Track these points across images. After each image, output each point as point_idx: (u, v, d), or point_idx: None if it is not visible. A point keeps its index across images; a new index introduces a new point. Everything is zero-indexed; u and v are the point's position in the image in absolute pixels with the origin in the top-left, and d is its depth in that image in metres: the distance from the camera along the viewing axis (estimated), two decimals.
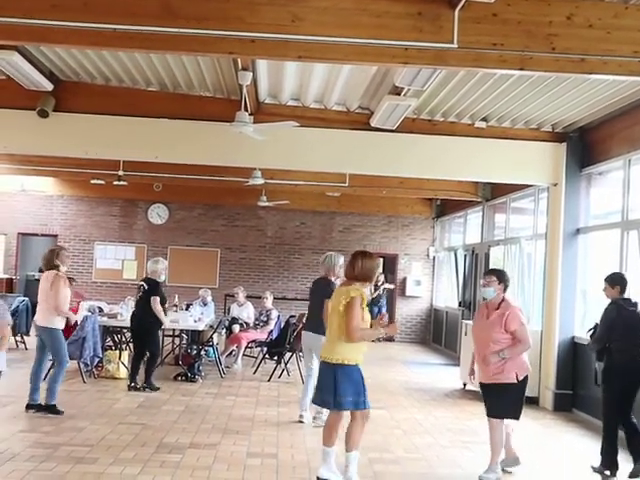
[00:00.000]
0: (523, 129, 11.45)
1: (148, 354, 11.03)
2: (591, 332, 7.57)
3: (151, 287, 10.91)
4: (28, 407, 8.76)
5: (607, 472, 7.30)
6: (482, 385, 7.30)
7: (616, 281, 7.45)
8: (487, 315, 7.15)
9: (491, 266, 15.28)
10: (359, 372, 6.51)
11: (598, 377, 7.62)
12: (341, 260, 9.21)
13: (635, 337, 7.14)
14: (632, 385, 7.17)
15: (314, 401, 6.94)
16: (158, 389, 10.70)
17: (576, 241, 11.25)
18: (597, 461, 7.42)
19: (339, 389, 6.38)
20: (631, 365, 7.11)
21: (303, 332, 9.59)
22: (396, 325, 7.50)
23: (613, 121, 10.34)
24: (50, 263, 8.89)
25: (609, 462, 7.29)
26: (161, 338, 11.87)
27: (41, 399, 8.83)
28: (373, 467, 7.25)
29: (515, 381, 6.97)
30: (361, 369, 6.53)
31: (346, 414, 6.66)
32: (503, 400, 7.04)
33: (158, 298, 10.83)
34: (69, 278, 9.10)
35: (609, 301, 7.38)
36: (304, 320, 9.71)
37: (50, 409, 8.70)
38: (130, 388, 10.62)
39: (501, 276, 7.24)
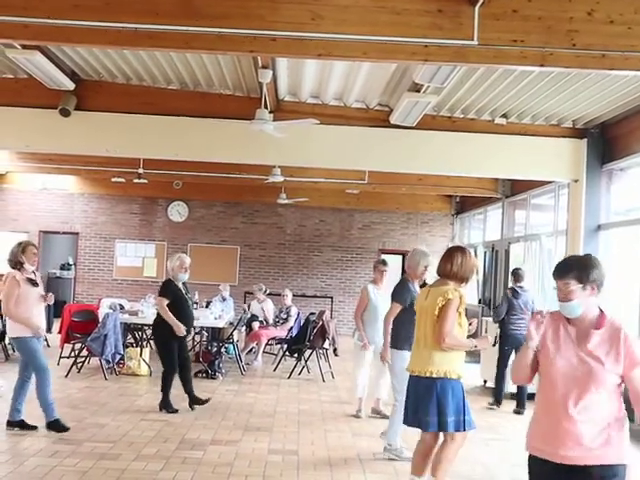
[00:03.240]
0: (543, 125, 11.40)
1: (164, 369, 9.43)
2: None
3: (161, 287, 9.63)
4: (8, 424, 7.81)
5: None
6: (560, 468, 3.81)
7: (513, 274, 10.82)
8: (577, 340, 3.81)
9: (512, 264, 15.12)
10: (461, 387, 5.81)
11: (496, 340, 10.41)
12: (429, 259, 7.64)
13: (522, 313, 10.32)
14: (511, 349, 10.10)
15: (408, 422, 6.05)
16: (175, 411, 9.18)
17: (597, 237, 11.19)
18: None
19: (441, 407, 5.66)
20: (514, 333, 10.24)
21: (392, 349, 7.67)
22: (489, 338, 6.24)
23: (634, 117, 10.27)
24: (15, 258, 7.71)
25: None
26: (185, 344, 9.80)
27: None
28: (394, 464, 7.25)
29: (625, 462, 3.78)
30: (462, 383, 5.84)
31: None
32: None
33: (164, 300, 9.24)
34: (30, 279, 7.77)
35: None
36: (389, 333, 7.71)
37: (53, 426, 7.79)
38: (161, 408, 9.24)
39: (585, 272, 3.78)
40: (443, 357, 5.69)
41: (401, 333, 7.35)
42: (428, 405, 5.70)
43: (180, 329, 9.13)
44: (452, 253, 5.90)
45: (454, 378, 5.72)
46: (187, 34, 6.37)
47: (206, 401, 9.46)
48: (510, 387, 10.81)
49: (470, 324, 5.89)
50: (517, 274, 10.80)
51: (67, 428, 7.81)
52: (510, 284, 11.22)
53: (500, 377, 10.72)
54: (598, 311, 3.85)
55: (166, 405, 9.24)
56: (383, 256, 15.76)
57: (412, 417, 5.92)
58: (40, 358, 7.81)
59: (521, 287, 10.63)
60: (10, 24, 6.31)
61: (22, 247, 7.80)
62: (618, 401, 3.84)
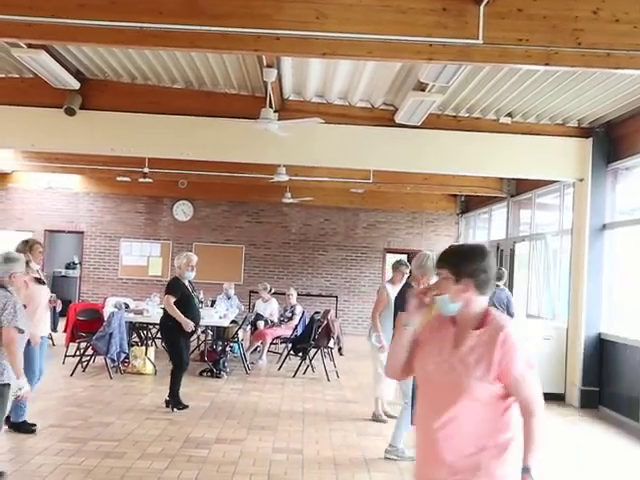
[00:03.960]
0: (548, 124, 11.38)
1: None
2: None
3: (168, 284, 9.72)
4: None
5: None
6: None
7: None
8: (453, 342, 3.29)
9: (516, 263, 15.15)
10: None
11: None
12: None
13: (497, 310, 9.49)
14: None
15: (413, 423, 5.63)
16: (186, 407, 9.34)
17: (602, 237, 11.17)
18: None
19: None
20: None
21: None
22: None
23: None
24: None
25: None
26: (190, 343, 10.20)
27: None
28: (398, 463, 7.25)
29: None
30: None
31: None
32: None
33: (172, 297, 9.27)
34: (37, 278, 7.76)
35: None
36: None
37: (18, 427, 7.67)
38: (167, 404, 9.35)
39: (461, 265, 3.29)
40: None
41: None
42: None
43: (188, 325, 9.17)
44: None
45: None
46: (192, 33, 6.37)
47: (185, 407, 9.37)
48: None
49: None
50: (497, 273, 10.88)
51: (33, 429, 7.73)
52: None
53: None
54: (483, 310, 3.26)
55: (176, 403, 9.27)
56: (400, 256, 15.68)
57: None
58: (34, 361, 7.55)
59: (497, 286, 11.14)
60: (15, 23, 6.32)
61: (29, 245, 7.83)
62: (502, 419, 3.17)
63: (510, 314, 11.59)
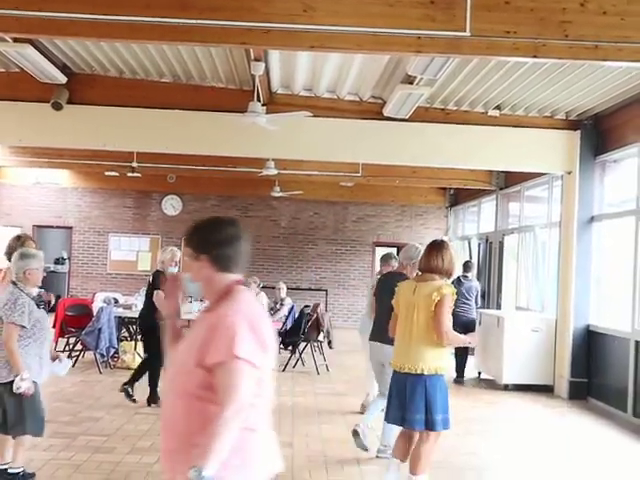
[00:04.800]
0: (537, 117, 11.40)
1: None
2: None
3: (153, 279, 9.50)
4: None
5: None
6: None
7: (463, 265, 11.20)
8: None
9: (505, 256, 15.23)
10: (445, 383, 5.67)
11: None
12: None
13: (465, 299, 12.05)
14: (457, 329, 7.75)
15: (391, 420, 5.91)
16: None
17: (590, 229, 11.21)
18: None
19: (429, 405, 5.48)
20: (459, 314, 10.76)
21: (371, 343, 7.49)
22: (476, 337, 5.99)
23: (628, 108, 10.27)
24: (14, 252, 7.30)
25: None
26: None
27: None
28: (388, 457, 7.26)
29: None
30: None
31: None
32: None
33: (162, 293, 8.90)
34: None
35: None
36: (371, 327, 7.68)
37: None
38: (123, 389, 9.23)
39: (197, 240, 3.07)
40: (436, 353, 5.55)
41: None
42: (417, 403, 5.53)
43: (180, 322, 9.01)
44: (439, 248, 5.75)
45: (442, 374, 5.60)
46: (179, 27, 6.34)
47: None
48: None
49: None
50: (466, 265, 12.86)
51: None
52: (459, 273, 12.55)
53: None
54: (223, 289, 2.91)
55: (156, 399, 9.07)
56: (390, 250, 15.61)
57: (395, 414, 5.77)
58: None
59: (466, 277, 12.68)
60: (2, 17, 6.27)
61: (22, 241, 7.76)
62: (201, 415, 2.76)
63: (476, 303, 12.80)
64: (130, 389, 9.23)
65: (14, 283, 5.68)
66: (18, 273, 5.70)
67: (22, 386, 5.44)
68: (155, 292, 9.26)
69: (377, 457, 7.24)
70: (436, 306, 5.52)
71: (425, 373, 5.52)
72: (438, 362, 5.57)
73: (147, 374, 9.25)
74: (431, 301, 5.53)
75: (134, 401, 9.15)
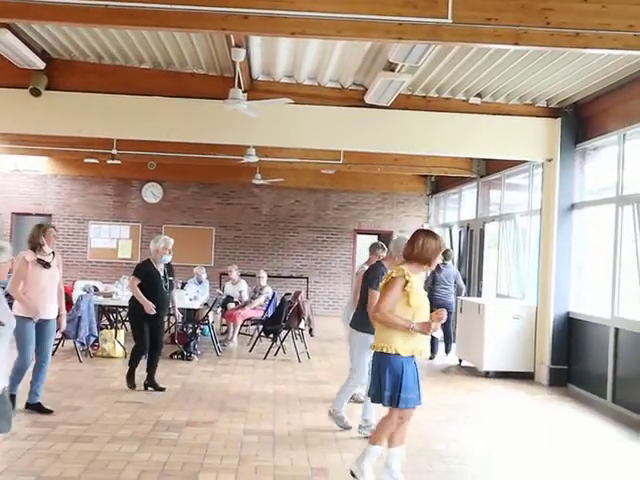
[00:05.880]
0: (517, 105, 11.41)
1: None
2: None
3: (136, 266, 9.95)
4: (26, 406, 7.96)
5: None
6: None
7: (442, 253, 9.79)
8: None
9: (486, 243, 15.32)
10: (401, 363, 5.74)
11: None
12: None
13: (444, 284, 13.29)
14: None
15: (368, 394, 6.24)
16: (133, 387, 9.43)
17: (571, 216, 11.25)
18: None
19: (380, 380, 5.77)
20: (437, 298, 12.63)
21: (351, 329, 7.93)
22: (432, 325, 5.90)
23: (608, 96, 10.30)
24: (36, 240, 7.94)
25: None
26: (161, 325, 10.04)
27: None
28: None
29: None
30: (411, 362, 5.79)
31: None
32: None
33: (136, 279, 9.41)
34: (40, 260, 7.90)
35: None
36: (351, 315, 8.02)
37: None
38: (145, 387, 9.44)
39: None
40: (383, 333, 5.79)
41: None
42: (372, 376, 5.94)
43: (149, 307, 9.23)
44: (414, 236, 5.93)
45: (391, 353, 5.73)
46: (159, 12, 6.28)
47: (162, 389, 9.40)
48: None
49: (437, 314, 5.82)
50: (445, 253, 13.12)
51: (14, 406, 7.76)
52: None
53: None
54: None
55: (128, 379, 9.43)
56: (371, 238, 15.69)
57: (369, 390, 6.13)
58: (26, 348, 7.74)
59: (444, 264, 13.36)
60: None
61: (43, 229, 8.05)
62: None
63: (459, 288, 14.04)
64: (152, 386, 9.41)
65: None
66: None
67: (2, 384, 5.10)
68: (132, 278, 9.59)
69: (359, 433, 7.52)
70: (383, 287, 5.82)
71: (378, 351, 5.79)
72: (386, 341, 5.75)
73: (145, 360, 9.52)
74: (383, 284, 5.87)
75: (162, 389, 9.38)
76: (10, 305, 5.74)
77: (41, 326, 7.86)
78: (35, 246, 7.93)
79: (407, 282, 5.69)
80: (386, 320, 5.71)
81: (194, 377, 10.49)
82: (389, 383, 5.73)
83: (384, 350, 5.75)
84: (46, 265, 7.93)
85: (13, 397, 7.70)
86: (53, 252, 8.11)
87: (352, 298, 9.17)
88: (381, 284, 6.01)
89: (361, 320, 7.47)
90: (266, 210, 21.35)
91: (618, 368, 9.54)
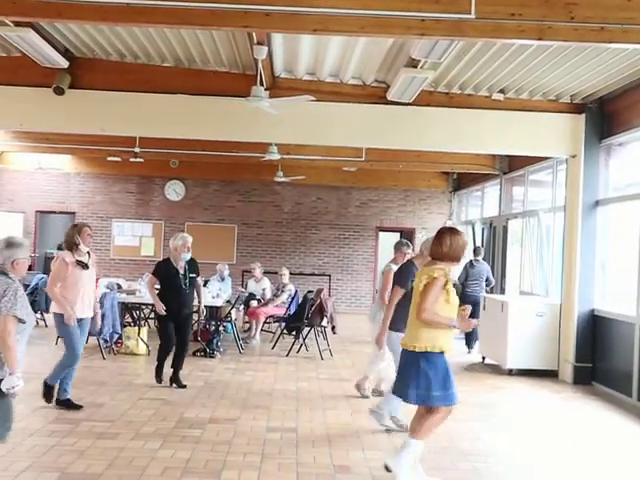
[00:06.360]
0: (541, 100, 11.31)
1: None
2: None
3: (155, 264, 9.96)
4: (56, 402, 8.09)
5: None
6: None
7: (473, 250, 12.64)
8: None
9: (509, 240, 15.23)
10: (445, 361, 5.87)
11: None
12: None
13: (476, 280, 13.81)
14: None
15: (394, 391, 6.23)
16: (160, 382, 9.52)
17: (595, 213, 11.15)
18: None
19: (424, 381, 5.76)
20: (469, 294, 13.47)
21: (393, 334, 7.60)
22: (471, 322, 6.06)
23: (633, 91, 10.19)
24: (72, 240, 8.00)
25: None
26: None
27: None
28: (393, 440, 7.25)
29: None
30: (445, 358, 5.90)
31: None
32: None
33: (153, 278, 9.59)
34: (79, 262, 7.98)
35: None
36: (389, 317, 7.77)
37: (46, 386, 8.04)
38: (171, 382, 9.50)
39: None
40: (427, 332, 5.78)
41: (404, 316, 6.96)
42: (412, 377, 5.83)
43: (158, 307, 9.31)
44: (441, 235, 5.96)
45: (436, 352, 5.79)
46: (180, 9, 6.29)
47: (184, 386, 9.42)
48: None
49: (463, 310, 5.89)
50: (476, 250, 14.32)
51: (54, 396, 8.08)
52: (471, 257, 14.05)
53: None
54: None
55: (157, 374, 9.55)
56: (394, 235, 15.68)
57: (398, 387, 6.09)
58: (72, 339, 7.91)
59: (477, 260, 14.08)
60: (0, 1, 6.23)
61: (78, 229, 8.11)
62: None
63: (489, 284, 14.40)
64: (175, 383, 9.47)
65: (4, 273, 5.12)
66: (5, 263, 5.14)
67: (20, 385, 5.05)
68: (149, 276, 9.73)
69: (369, 410, 7.83)
70: (425, 287, 5.78)
71: (417, 351, 5.79)
72: (431, 341, 5.77)
73: (172, 357, 9.56)
74: (420, 283, 5.84)
75: (184, 386, 9.42)
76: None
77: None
78: (71, 246, 8.02)
79: (447, 281, 5.79)
80: (432, 320, 5.73)
81: (217, 374, 10.51)
82: (436, 383, 5.77)
83: (428, 349, 5.78)
84: (85, 267, 8.03)
85: (51, 388, 8.05)
86: (88, 252, 8.20)
87: (379, 297, 9.17)
88: (414, 283, 6.04)
89: (394, 319, 7.53)
90: (288, 208, 21.35)
91: None
